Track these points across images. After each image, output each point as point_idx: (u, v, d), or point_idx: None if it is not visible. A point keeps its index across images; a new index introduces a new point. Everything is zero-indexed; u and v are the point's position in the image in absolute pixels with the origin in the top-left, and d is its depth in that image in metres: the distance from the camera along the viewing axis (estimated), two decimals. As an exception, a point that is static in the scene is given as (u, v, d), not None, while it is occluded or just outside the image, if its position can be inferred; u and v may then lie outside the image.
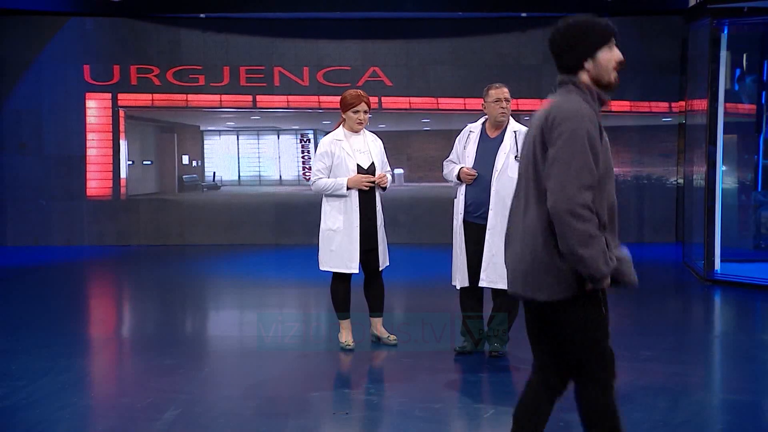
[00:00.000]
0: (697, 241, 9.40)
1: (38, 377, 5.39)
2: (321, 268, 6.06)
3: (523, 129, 5.81)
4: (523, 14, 12.13)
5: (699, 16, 9.50)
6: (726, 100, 9.13)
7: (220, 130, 12.75)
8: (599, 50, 3.07)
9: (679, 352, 6.12)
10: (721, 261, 9.00)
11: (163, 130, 12.73)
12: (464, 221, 5.81)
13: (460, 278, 5.83)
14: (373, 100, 6.16)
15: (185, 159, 12.72)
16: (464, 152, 5.86)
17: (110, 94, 12.39)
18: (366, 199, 5.97)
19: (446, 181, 6.04)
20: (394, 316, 7.04)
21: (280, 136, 12.73)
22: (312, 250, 6.14)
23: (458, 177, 5.81)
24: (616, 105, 12.34)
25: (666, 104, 12.31)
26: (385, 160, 6.17)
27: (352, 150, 5.98)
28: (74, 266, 10.88)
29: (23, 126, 12.26)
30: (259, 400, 4.95)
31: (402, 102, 12.48)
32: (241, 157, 12.76)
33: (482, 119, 5.93)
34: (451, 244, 5.96)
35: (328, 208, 6.02)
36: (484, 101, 5.81)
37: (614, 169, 3.11)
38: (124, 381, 5.61)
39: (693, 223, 9.89)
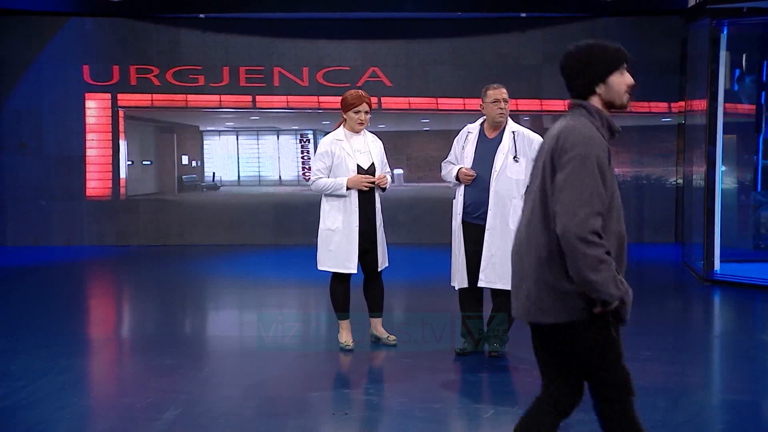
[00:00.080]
0: (697, 241, 9.41)
1: (38, 377, 5.39)
2: (319, 267, 6.06)
3: (522, 129, 5.82)
4: (523, 14, 12.13)
5: (698, 17, 9.50)
6: (725, 101, 9.14)
7: (219, 131, 12.76)
8: (611, 75, 3.07)
9: (678, 352, 6.13)
10: (721, 261, 9.00)
11: (163, 130, 12.73)
12: (463, 222, 5.81)
13: (459, 279, 5.83)
14: (373, 100, 6.15)
15: (185, 159, 12.72)
16: (463, 153, 5.86)
17: (110, 95, 12.38)
18: (366, 199, 5.98)
19: (446, 181, 6.05)
20: (393, 317, 7.04)
21: (280, 137, 12.73)
22: (312, 250, 6.14)
23: (457, 177, 5.81)
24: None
25: (665, 104, 12.31)
26: (385, 160, 6.18)
27: (353, 150, 5.98)
28: (74, 266, 10.87)
29: (23, 126, 12.26)
30: (259, 400, 4.95)
31: (401, 102, 12.48)
32: (241, 157, 12.76)
33: (480, 120, 5.93)
34: (450, 245, 5.96)
35: (327, 207, 6.02)
36: (483, 102, 5.81)
37: (615, 169, 3.10)
38: (124, 381, 5.62)
39: (692, 223, 9.89)
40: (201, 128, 12.69)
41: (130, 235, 12.45)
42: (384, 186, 6.04)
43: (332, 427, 4.62)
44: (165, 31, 12.33)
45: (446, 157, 6.01)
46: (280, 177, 12.78)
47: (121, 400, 5.04)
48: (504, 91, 5.77)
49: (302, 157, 12.68)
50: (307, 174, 12.42)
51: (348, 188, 5.90)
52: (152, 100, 12.45)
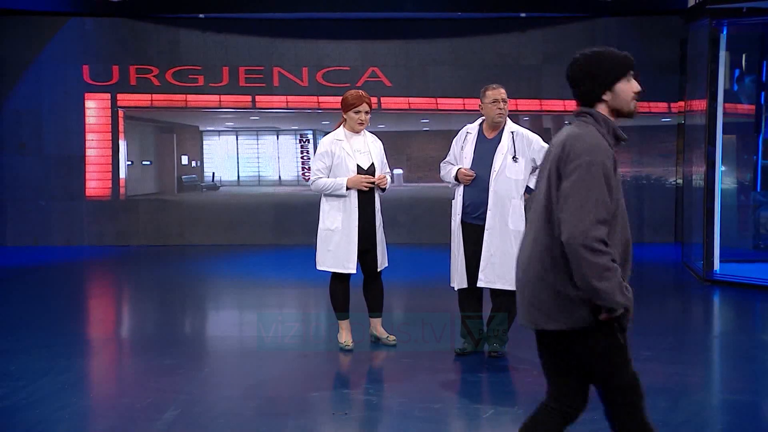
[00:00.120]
0: (697, 241, 9.41)
1: (38, 377, 5.39)
2: (318, 267, 6.06)
3: (521, 129, 5.83)
4: (523, 14, 12.13)
5: (698, 17, 9.51)
6: (725, 101, 9.14)
7: (219, 131, 12.76)
8: (618, 82, 3.07)
9: (678, 352, 6.13)
10: (721, 261, 9.00)
11: (163, 130, 12.73)
12: (462, 222, 5.81)
13: (458, 279, 5.83)
14: (373, 100, 6.15)
15: (184, 159, 12.72)
16: (462, 153, 5.86)
17: (109, 95, 12.38)
18: (365, 199, 5.98)
19: (444, 181, 6.04)
20: (393, 317, 7.03)
21: (280, 137, 12.73)
22: (311, 250, 6.14)
23: (456, 178, 5.81)
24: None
25: (665, 104, 12.31)
26: (385, 161, 6.18)
27: (353, 150, 5.98)
28: (74, 266, 10.88)
29: (23, 126, 12.25)
30: (259, 401, 4.95)
31: (401, 102, 12.48)
32: (241, 157, 12.76)
33: (479, 120, 5.93)
34: (449, 245, 5.96)
35: (327, 207, 6.02)
36: (481, 102, 5.81)
37: (620, 176, 3.10)
38: (124, 381, 5.62)
39: (692, 223, 9.89)
40: (201, 128, 12.70)
41: (129, 236, 12.45)
42: (384, 186, 6.04)
43: (332, 427, 4.62)
44: (165, 31, 12.34)
45: (445, 158, 6.02)
46: (279, 177, 12.78)
47: (120, 400, 5.04)
48: (503, 91, 5.77)
49: (302, 157, 12.69)
50: (306, 174, 12.41)
51: (348, 188, 5.90)
52: (152, 100, 12.45)
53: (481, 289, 5.84)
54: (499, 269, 5.67)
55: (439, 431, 4.53)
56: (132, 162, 12.60)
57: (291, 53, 12.45)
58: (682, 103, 11.85)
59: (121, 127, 12.47)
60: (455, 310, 6.01)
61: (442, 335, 6.26)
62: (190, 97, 12.45)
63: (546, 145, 5.75)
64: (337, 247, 5.93)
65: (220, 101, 12.49)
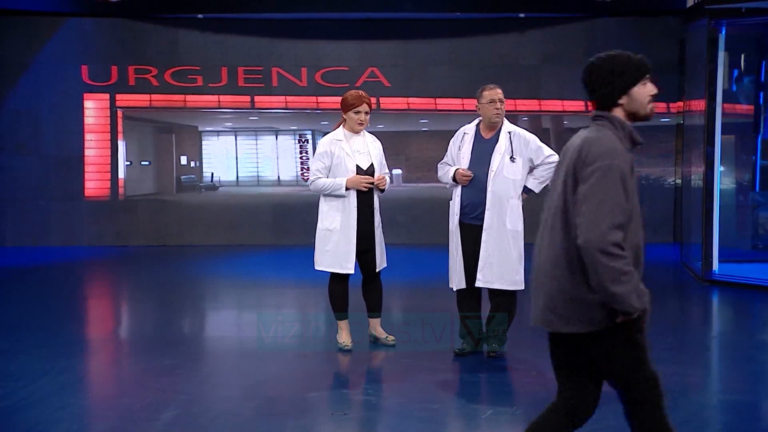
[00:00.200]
0: (695, 241, 9.41)
1: (37, 377, 5.39)
2: (316, 267, 6.06)
3: (518, 129, 5.83)
4: (521, 15, 12.14)
5: (697, 17, 9.51)
6: (724, 101, 9.15)
7: (218, 131, 12.76)
8: (634, 86, 3.08)
9: (677, 353, 6.13)
10: (719, 261, 9.01)
11: (161, 130, 12.73)
12: (460, 222, 5.81)
13: (457, 280, 5.83)
14: (372, 100, 6.15)
15: (183, 159, 12.72)
16: (459, 154, 5.86)
17: (108, 95, 12.38)
18: (364, 199, 5.98)
19: (442, 182, 6.05)
20: (392, 317, 7.04)
21: (279, 137, 12.73)
22: (310, 250, 6.15)
23: (454, 178, 5.82)
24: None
25: (664, 105, 12.31)
26: (384, 161, 6.18)
27: (352, 151, 5.98)
28: (73, 267, 10.87)
29: (22, 126, 12.25)
30: (258, 401, 4.95)
31: (400, 102, 12.49)
32: (240, 157, 12.76)
33: (476, 121, 5.94)
34: (448, 246, 5.96)
35: (326, 207, 6.02)
36: (478, 102, 5.82)
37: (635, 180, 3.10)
38: (123, 381, 5.61)
39: (691, 223, 9.90)
40: (199, 128, 12.69)
41: (128, 236, 12.45)
42: (383, 187, 6.04)
43: (331, 428, 4.62)
44: (163, 31, 12.33)
45: (442, 159, 6.02)
46: (278, 177, 12.78)
47: (119, 401, 5.04)
48: (499, 91, 5.77)
49: (301, 158, 12.69)
50: (305, 174, 12.42)
51: (347, 188, 5.90)
52: (151, 100, 12.45)
53: (480, 289, 5.84)
54: (497, 269, 5.68)
55: (437, 431, 4.53)
56: (131, 162, 12.60)
57: (290, 53, 12.45)
58: (681, 104, 11.86)
59: (119, 128, 12.46)
60: (454, 310, 6.02)
61: (441, 335, 6.26)
62: (188, 97, 12.45)
63: (543, 145, 5.77)
64: (335, 247, 5.93)
65: (219, 101, 12.49)
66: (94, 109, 12.38)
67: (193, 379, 5.44)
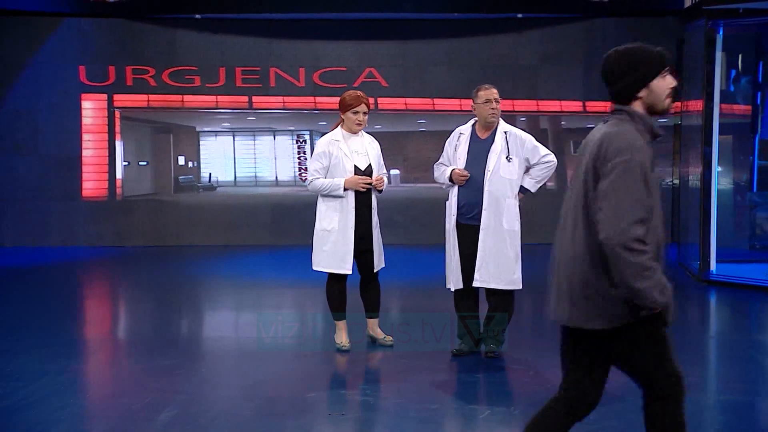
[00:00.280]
0: (693, 241, 9.42)
1: (37, 378, 5.39)
2: (314, 268, 6.06)
3: (514, 129, 5.84)
4: (519, 15, 12.14)
5: (694, 17, 9.53)
6: (721, 101, 9.16)
7: (216, 131, 12.76)
8: (654, 79, 3.06)
9: (675, 353, 6.12)
10: (717, 262, 9.02)
11: (159, 130, 12.73)
12: (457, 223, 5.82)
13: (454, 280, 5.83)
14: (370, 101, 6.15)
15: (181, 160, 12.71)
16: (455, 154, 5.87)
17: (106, 95, 12.37)
18: (362, 200, 5.98)
19: (438, 183, 6.04)
20: (390, 317, 7.04)
21: (276, 137, 12.73)
22: (308, 250, 6.15)
23: (450, 179, 5.82)
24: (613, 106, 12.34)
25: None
26: (382, 162, 6.18)
27: (350, 151, 5.98)
28: (71, 267, 10.86)
29: (19, 126, 12.24)
30: (256, 401, 4.95)
31: (398, 103, 12.49)
32: (237, 158, 12.76)
33: (472, 121, 5.94)
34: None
35: (324, 207, 6.02)
36: (474, 103, 5.82)
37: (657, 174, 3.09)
38: (122, 381, 5.61)
39: (688, 223, 9.90)
40: (197, 129, 12.69)
41: (126, 236, 12.44)
42: (381, 188, 6.04)
43: (329, 428, 4.62)
44: (161, 31, 12.33)
45: (438, 159, 6.02)
46: (276, 178, 12.78)
47: (118, 401, 5.03)
48: (495, 91, 5.78)
49: (299, 158, 12.69)
50: (303, 174, 12.42)
51: (345, 189, 5.91)
52: (148, 100, 12.44)
53: (477, 289, 5.85)
54: (494, 269, 5.68)
55: (435, 431, 4.54)
56: (128, 162, 12.59)
57: (288, 54, 12.45)
58: (678, 104, 11.85)
59: (117, 128, 12.46)
60: (452, 310, 6.02)
61: (438, 336, 6.26)
62: (186, 97, 12.44)
63: (539, 145, 5.78)
64: (333, 248, 5.93)
65: (216, 102, 12.49)
66: (91, 109, 12.38)
67: (192, 380, 5.45)
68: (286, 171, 12.74)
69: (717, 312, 8.13)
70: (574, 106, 12.47)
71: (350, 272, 5.99)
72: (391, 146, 11.80)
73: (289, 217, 12.38)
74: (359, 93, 6.03)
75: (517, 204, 5.78)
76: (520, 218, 5.81)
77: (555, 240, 3.21)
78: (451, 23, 12.33)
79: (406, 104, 12.50)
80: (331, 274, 6.02)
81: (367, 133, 6.18)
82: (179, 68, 12.36)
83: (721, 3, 8.76)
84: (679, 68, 11.81)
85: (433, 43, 12.41)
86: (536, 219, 12.07)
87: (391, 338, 6.18)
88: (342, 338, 6.07)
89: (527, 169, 5.80)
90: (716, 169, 9.13)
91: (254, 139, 12.75)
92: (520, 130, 5.86)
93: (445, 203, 5.94)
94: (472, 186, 5.74)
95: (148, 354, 6.11)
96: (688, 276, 9.37)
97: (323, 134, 6.24)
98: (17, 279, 9.82)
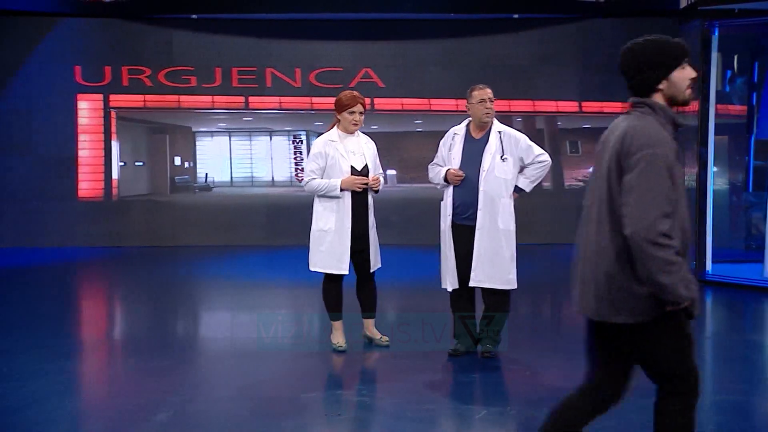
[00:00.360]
0: (689, 241, 9.41)
1: (32, 379, 5.37)
2: (311, 268, 6.05)
3: (508, 129, 5.84)
4: (516, 15, 12.16)
5: (690, 18, 9.54)
6: (717, 102, 9.16)
7: (212, 132, 12.75)
8: (674, 71, 3.05)
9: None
10: (713, 262, 9.03)
11: (155, 131, 12.71)
12: (453, 223, 5.81)
13: (450, 280, 5.83)
14: (366, 101, 6.15)
15: (177, 160, 12.70)
16: (450, 154, 5.87)
17: (102, 95, 12.36)
18: (359, 200, 5.98)
19: (433, 183, 6.04)
20: (386, 317, 7.04)
21: (273, 138, 12.72)
22: (304, 250, 6.14)
23: (445, 179, 5.82)
24: (608, 106, 12.37)
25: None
26: (378, 162, 6.18)
27: (346, 151, 5.98)
28: (66, 268, 10.85)
29: (15, 127, 12.21)
30: (252, 402, 4.94)
31: (394, 103, 12.49)
32: (234, 158, 12.75)
33: (466, 121, 5.94)
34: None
35: (320, 208, 6.01)
36: (468, 103, 5.82)
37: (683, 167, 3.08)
38: (117, 382, 5.60)
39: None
40: (193, 129, 12.68)
41: (122, 237, 12.42)
42: (377, 188, 6.04)
43: (325, 429, 4.62)
44: (157, 31, 12.32)
45: (432, 160, 6.02)
46: (272, 178, 12.78)
47: (113, 402, 5.02)
48: (489, 91, 5.78)
49: (295, 158, 12.68)
50: (299, 175, 12.41)
51: (341, 189, 5.90)
52: (144, 100, 12.43)
53: (473, 289, 5.85)
54: (490, 269, 5.68)
55: (432, 431, 4.54)
56: (125, 163, 12.58)
57: (284, 54, 12.44)
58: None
59: (113, 128, 12.44)
60: (448, 310, 6.01)
61: (434, 336, 6.26)
62: (182, 97, 12.43)
63: (533, 144, 5.79)
64: (329, 248, 5.93)
65: (212, 102, 12.48)
66: (87, 109, 12.36)
67: (189, 380, 5.44)
68: (283, 171, 12.74)
69: (713, 312, 8.13)
70: (571, 106, 12.47)
71: (347, 272, 5.99)
72: (388, 147, 11.80)
73: (285, 217, 12.37)
74: (355, 93, 6.03)
75: (512, 203, 5.78)
76: (516, 218, 5.81)
77: (578, 234, 3.21)
78: (448, 23, 12.34)
79: (402, 104, 12.50)
80: (327, 275, 6.02)
81: (363, 133, 6.18)
82: (175, 68, 12.35)
83: (717, 3, 8.77)
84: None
85: (429, 43, 12.42)
86: (534, 219, 12.07)
87: (387, 338, 6.18)
88: (338, 338, 6.06)
89: (521, 169, 5.80)
90: (712, 169, 9.14)
91: (250, 140, 12.74)
92: (514, 130, 5.87)
93: (440, 203, 5.94)
94: (467, 186, 5.74)
95: (143, 355, 6.09)
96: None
97: (319, 134, 6.23)
98: (13, 279, 9.79)
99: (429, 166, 6.03)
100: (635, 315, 2.99)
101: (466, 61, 12.33)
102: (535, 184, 5.86)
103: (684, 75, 3.06)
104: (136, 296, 9.02)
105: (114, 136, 12.46)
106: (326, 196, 5.94)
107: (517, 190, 5.80)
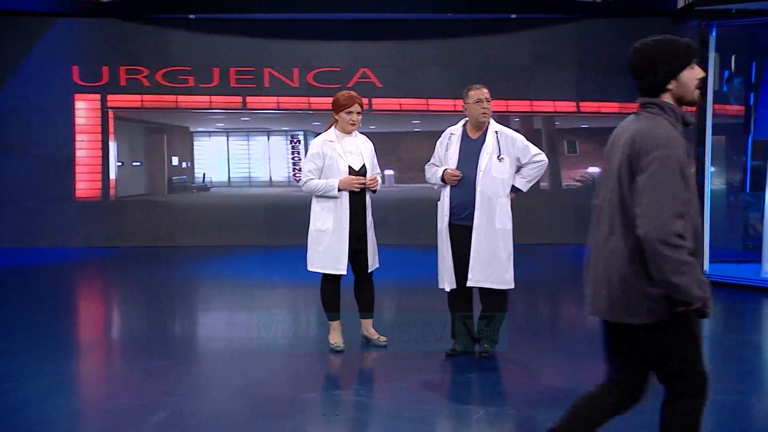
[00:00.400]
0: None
1: (29, 379, 5.37)
2: (309, 268, 6.05)
3: (504, 129, 5.84)
4: (513, 16, 12.16)
5: (687, 18, 9.56)
6: (714, 102, 9.18)
7: (209, 131, 12.74)
8: (683, 70, 3.05)
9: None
10: (710, 262, 9.03)
11: (153, 131, 12.70)
12: (450, 224, 5.81)
13: (448, 281, 5.83)
14: (364, 101, 6.15)
15: (175, 160, 12.69)
16: (446, 154, 5.87)
17: (99, 95, 12.35)
18: (356, 200, 5.97)
19: (430, 183, 6.04)
20: (384, 317, 7.04)
21: (270, 138, 12.72)
22: (302, 251, 6.14)
23: (442, 179, 5.82)
24: (606, 106, 12.38)
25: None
26: (376, 162, 6.17)
27: (344, 151, 5.98)
28: (63, 268, 10.83)
29: (12, 127, 12.20)
30: (249, 402, 4.94)
31: (392, 103, 12.49)
32: (231, 158, 12.74)
33: (462, 121, 5.94)
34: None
35: (318, 208, 6.01)
36: (464, 103, 5.82)
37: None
38: (114, 383, 5.59)
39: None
40: (191, 129, 12.67)
41: (119, 237, 12.42)
42: (374, 188, 6.04)
43: (323, 429, 4.62)
44: (154, 31, 12.31)
45: (429, 160, 6.02)
46: (270, 178, 12.77)
47: (110, 403, 5.01)
48: (486, 91, 5.78)
49: (293, 158, 12.68)
50: (297, 175, 12.41)
51: (339, 189, 5.90)
52: (142, 100, 12.43)
53: (471, 289, 5.84)
54: (487, 269, 5.68)
55: (429, 431, 4.54)
56: (122, 163, 12.57)
57: (281, 54, 12.44)
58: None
59: (110, 128, 12.44)
60: (445, 310, 6.01)
61: (432, 336, 6.26)
62: (180, 97, 12.43)
63: (529, 144, 5.79)
64: (327, 248, 5.93)
65: (210, 102, 12.47)
66: (84, 109, 12.36)
67: (185, 381, 5.43)
68: (280, 171, 12.73)
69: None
70: (568, 106, 12.48)
71: (345, 273, 5.99)
72: (385, 147, 11.79)
73: (282, 217, 12.37)
74: (352, 93, 6.02)
75: (509, 203, 5.78)
76: (513, 218, 5.81)
77: (590, 235, 3.21)
78: (445, 23, 12.34)
79: (400, 104, 12.50)
80: (325, 275, 6.02)
81: (360, 133, 6.18)
82: (173, 68, 12.34)
83: (714, 3, 8.78)
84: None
85: (427, 43, 12.42)
86: (532, 219, 12.08)
87: (384, 338, 6.18)
88: (336, 338, 6.06)
89: (518, 169, 5.80)
90: (709, 169, 9.15)
91: (248, 140, 12.74)
92: (511, 130, 5.87)
93: (437, 203, 5.93)
94: (464, 186, 5.74)
95: (140, 355, 6.09)
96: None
97: (317, 134, 6.23)
98: (11, 280, 9.78)
99: (426, 166, 6.03)
100: (648, 316, 2.99)
101: (464, 61, 12.34)
102: (532, 183, 5.86)
103: (693, 75, 3.07)
104: (134, 296, 9.01)
105: (111, 136, 12.45)
106: (324, 196, 5.94)
107: (514, 189, 5.80)
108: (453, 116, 11.99)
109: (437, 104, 12.47)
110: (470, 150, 5.76)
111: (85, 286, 10.16)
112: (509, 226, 5.77)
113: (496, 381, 5.42)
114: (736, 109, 10.71)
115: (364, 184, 5.95)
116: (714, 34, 8.94)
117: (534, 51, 12.39)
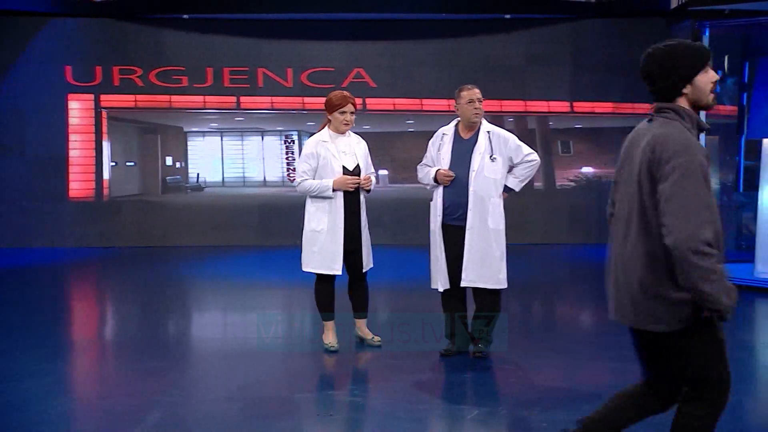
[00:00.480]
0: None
1: (22, 380, 5.35)
2: (303, 269, 6.05)
3: (496, 129, 5.84)
4: (507, 16, 12.17)
5: (680, 18, 9.57)
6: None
7: (203, 132, 12.73)
8: (697, 74, 3.03)
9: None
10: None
11: (146, 131, 12.68)
12: (443, 224, 5.81)
13: (441, 281, 5.83)
14: (358, 101, 6.15)
15: (168, 160, 12.67)
16: (439, 155, 5.87)
17: (93, 95, 12.33)
18: (350, 200, 5.97)
19: (422, 183, 6.04)
20: (378, 318, 7.04)
21: (264, 138, 12.71)
22: (296, 251, 6.14)
23: (435, 179, 5.82)
24: (600, 107, 12.40)
25: (648, 105, 12.31)
26: (370, 162, 6.17)
27: (338, 151, 5.97)
28: (57, 268, 10.81)
29: (5, 127, 12.17)
30: (243, 402, 4.93)
31: (386, 103, 12.49)
32: (225, 158, 12.73)
33: (454, 121, 5.95)
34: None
35: (312, 209, 6.01)
36: (457, 103, 5.83)
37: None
38: (108, 384, 5.58)
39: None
40: (185, 129, 12.66)
41: (113, 237, 12.39)
42: (369, 188, 6.04)
43: (317, 429, 4.62)
44: (148, 31, 12.29)
45: (421, 161, 6.02)
46: (264, 178, 12.76)
47: (104, 403, 5.01)
48: (477, 91, 5.78)
49: (287, 158, 12.67)
50: (291, 175, 12.40)
51: (334, 189, 5.90)
52: (135, 100, 12.40)
53: (464, 289, 5.85)
54: (480, 269, 5.68)
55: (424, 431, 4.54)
56: (116, 163, 12.54)
57: (275, 54, 12.43)
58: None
59: (104, 128, 12.41)
60: (439, 310, 6.02)
61: (426, 336, 6.26)
62: (174, 97, 12.41)
63: (522, 144, 5.79)
64: (322, 249, 5.92)
65: (204, 102, 12.45)
66: (78, 109, 12.33)
67: (179, 381, 5.42)
68: (274, 171, 12.73)
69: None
70: (562, 106, 12.50)
71: (340, 273, 5.99)
72: (379, 147, 11.79)
73: (276, 217, 12.36)
74: (345, 93, 6.02)
75: (502, 203, 5.79)
76: (507, 218, 5.82)
77: (609, 241, 3.19)
78: (440, 24, 12.34)
79: (394, 104, 12.50)
80: (319, 275, 6.01)
81: (354, 133, 6.18)
82: (166, 68, 12.32)
83: (707, 4, 8.80)
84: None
85: (421, 43, 12.42)
86: (526, 219, 12.09)
87: (379, 338, 6.18)
88: (330, 338, 6.06)
89: (511, 169, 5.80)
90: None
91: (242, 140, 12.73)
92: (503, 130, 5.87)
93: (430, 204, 5.94)
94: (456, 186, 5.74)
95: (134, 356, 6.08)
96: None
97: (311, 134, 6.23)
98: (2, 281, 9.75)
99: (418, 167, 6.03)
100: (673, 323, 2.97)
101: (458, 62, 12.35)
102: (524, 183, 5.86)
103: (707, 78, 3.04)
104: (128, 297, 9.00)
105: (105, 136, 12.43)
106: (319, 196, 5.93)
107: (507, 189, 5.80)
108: (447, 116, 11.97)
109: (431, 104, 12.47)
110: (462, 150, 5.77)
111: (80, 286, 10.14)
112: (502, 225, 5.77)
113: (490, 381, 5.43)
114: (729, 109, 10.73)
115: (359, 183, 5.95)
116: (707, 34, 8.97)
117: (528, 51, 12.41)
